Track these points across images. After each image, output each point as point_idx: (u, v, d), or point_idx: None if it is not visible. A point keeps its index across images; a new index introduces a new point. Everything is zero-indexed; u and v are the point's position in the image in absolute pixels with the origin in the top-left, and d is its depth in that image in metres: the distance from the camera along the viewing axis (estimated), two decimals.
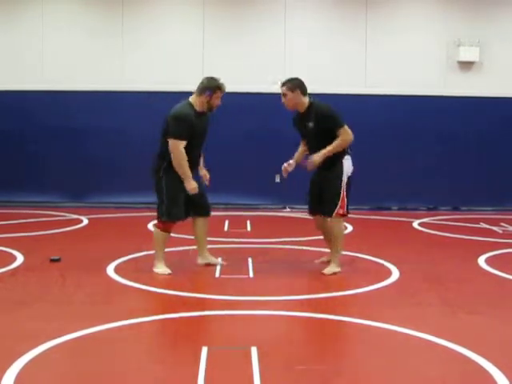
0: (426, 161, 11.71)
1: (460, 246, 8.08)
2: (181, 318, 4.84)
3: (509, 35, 11.74)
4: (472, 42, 11.59)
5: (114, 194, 11.55)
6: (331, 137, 6.16)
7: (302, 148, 6.55)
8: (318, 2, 11.79)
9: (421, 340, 4.34)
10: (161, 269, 6.20)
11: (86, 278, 6.00)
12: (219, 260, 6.61)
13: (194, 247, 6.67)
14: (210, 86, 6.13)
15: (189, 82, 11.25)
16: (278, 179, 11.45)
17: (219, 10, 11.67)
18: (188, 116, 6.03)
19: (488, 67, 11.73)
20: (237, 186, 11.40)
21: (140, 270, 6.27)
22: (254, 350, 4.02)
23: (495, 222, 9.97)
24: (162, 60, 11.59)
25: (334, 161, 6.18)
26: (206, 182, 6.45)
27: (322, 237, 6.78)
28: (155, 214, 6.28)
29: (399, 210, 11.66)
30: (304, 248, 7.60)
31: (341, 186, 6.21)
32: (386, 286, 5.85)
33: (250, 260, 6.79)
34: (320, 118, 6.16)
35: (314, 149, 6.30)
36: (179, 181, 6.05)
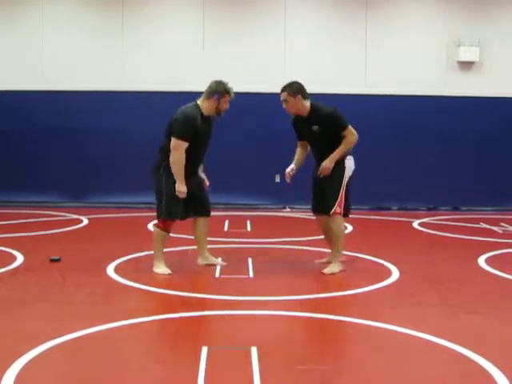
0: (425, 161, 11.71)
1: (460, 246, 8.08)
2: (181, 318, 4.84)
3: (509, 35, 11.75)
4: (472, 41, 11.59)
5: (114, 194, 11.56)
6: (335, 138, 6.19)
7: (299, 150, 6.54)
8: (318, 2, 11.79)
9: (421, 340, 4.34)
10: (161, 269, 6.20)
11: (86, 278, 6.00)
12: (219, 260, 6.61)
13: (194, 247, 6.67)
14: (219, 90, 6.10)
15: (189, 82, 11.41)
16: (278, 179, 11.46)
17: (219, 10, 11.67)
18: (194, 117, 6.02)
19: (488, 67, 11.73)
20: (237, 186, 11.40)
21: (140, 270, 6.27)
22: (254, 350, 4.01)
23: (495, 222, 9.97)
24: (162, 60, 11.59)
25: (337, 160, 6.21)
26: (206, 184, 6.46)
27: (321, 237, 6.78)
28: (155, 214, 6.27)
29: (399, 210, 11.66)
30: (304, 248, 7.60)
31: (340, 186, 6.23)
32: (386, 286, 5.85)
33: (249, 260, 6.79)
34: (325, 120, 6.16)
35: (318, 151, 6.33)
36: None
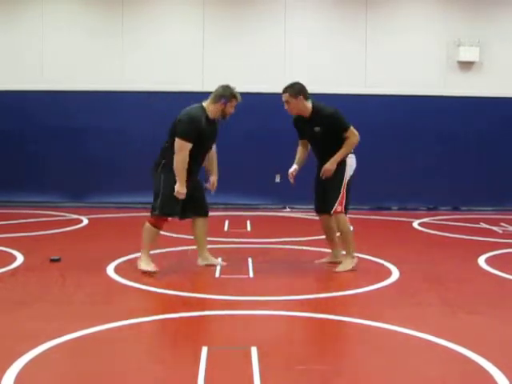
0: (425, 161, 11.71)
1: (460, 246, 8.08)
2: (181, 318, 4.83)
3: (509, 35, 11.75)
4: (472, 42, 11.60)
5: (114, 194, 11.56)
6: (337, 139, 6.21)
7: (301, 149, 6.55)
8: (318, 2, 11.79)
9: (421, 340, 4.33)
10: (146, 265, 6.13)
11: (86, 277, 6.00)
12: (219, 260, 6.61)
13: (194, 247, 6.67)
14: (226, 95, 6.09)
15: (189, 82, 11.42)
16: (278, 179, 11.46)
17: (219, 10, 11.67)
18: (198, 119, 6.01)
19: (488, 67, 11.73)
20: (237, 186, 11.39)
21: (140, 270, 6.26)
22: (254, 350, 4.01)
23: (495, 222, 9.97)
24: (162, 60, 11.59)
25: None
26: (211, 188, 6.45)
27: (321, 237, 6.78)
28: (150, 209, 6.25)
29: (399, 209, 11.66)
30: (304, 248, 7.60)
31: (341, 184, 6.24)
32: (386, 286, 5.85)
33: (249, 260, 6.79)
34: (326, 121, 6.18)
35: (319, 152, 6.36)
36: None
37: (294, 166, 6.47)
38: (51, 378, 3.71)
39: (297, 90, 6.19)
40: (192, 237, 6.63)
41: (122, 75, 11.58)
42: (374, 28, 11.70)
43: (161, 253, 7.10)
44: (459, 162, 11.77)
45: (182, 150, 5.93)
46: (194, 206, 6.29)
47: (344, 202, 6.28)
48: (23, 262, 6.60)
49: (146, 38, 11.62)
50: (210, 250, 6.69)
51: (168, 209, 6.10)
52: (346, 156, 6.26)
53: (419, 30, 11.77)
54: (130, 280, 5.89)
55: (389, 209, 11.70)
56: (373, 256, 7.05)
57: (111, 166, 11.58)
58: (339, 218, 6.32)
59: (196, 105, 6.15)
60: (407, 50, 11.72)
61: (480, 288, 5.89)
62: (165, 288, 5.63)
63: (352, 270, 6.35)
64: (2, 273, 6.16)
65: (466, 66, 11.74)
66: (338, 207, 6.26)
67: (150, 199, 6.21)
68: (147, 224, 6.20)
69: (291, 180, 6.47)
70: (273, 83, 10.92)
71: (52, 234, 8.54)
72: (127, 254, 6.95)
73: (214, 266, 6.46)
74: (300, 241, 8.05)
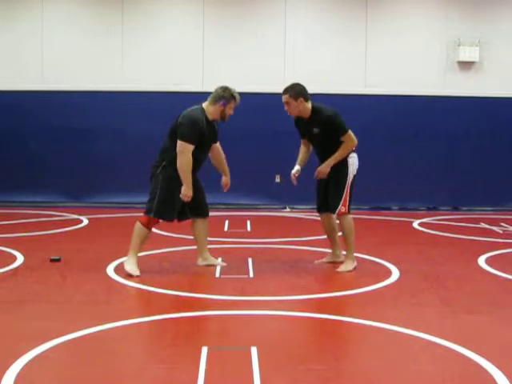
0: (425, 161, 11.71)
1: (460, 246, 8.08)
2: (181, 318, 4.83)
3: (509, 35, 11.75)
4: (472, 42, 11.59)
5: (114, 194, 11.56)
6: (337, 139, 6.22)
7: (303, 148, 6.56)
8: (318, 2, 11.79)
9: (421, 340, 4.33)
10: (131, 267, 6.10)
11: (86, 277, 6.00)
12: (219, 261, 6.61)
13: (194, 247, 6.67)
14: (225, 96, 6.08)
15: (188, 82, 11.43)
16: (278, 179, 11.46)
17: (219, 10, 11.67)
18: (200, 120, 6.01)
19: (488, 67, 11.73)
20: (237, 186, 11.34)
21: (140, 269, 6.25)
22: (254, 350, 4.01)
23: (495, 222, 9.97)
24: (162, 60, 11.59)
25: (340, 160, 6.23)
26: (224, 189, 6.51)
27: (322, 237, 6.78)
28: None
29: (399, 210, 11.66)
30: (304, 248, 7.60)
31: (345, 185, 6.25)
32: (386, 286, 5.85)
33: (249, 260, 6.79)
34: (325, 124, 6.18)
35: (320, 152, 6.37)
36: (175, 182, 6.02)
37: (297, 168, 6.47)
38: (51, 378, 3.72)
39: (297, 91, 6.18)
40: (192, 237, 6.62)
41: (122, 75, 11.58)
42: (373, 28, 11.69)
43: (161, 253, 7.11)
44: (459, 161, 11.77)
45: (186, 152, 5.93)
46: (195, 207, 6.28)
47: (348, 202, 6.28)
48: (23, 262, 6.60)
49: (145, 38, 11.62)
50: (210, 249, 6.68)
51: (162, 213, 6.09)
52: (342, 159, 6.25)
53: (419, 29, 11.77)
54: (130, 280, 5.89)
55: (389, 209, 11.70)
56: (373, 256, 7.06)
57: (111, 166, 11.58)
58: (344, 219, 6.33)
59: (195, 106, 6.14)
60: (407, 49, 11.72)
61: (480, 288, 5.89)
62: (165, 288, 5.63)
63: (353, 271, 6.35)
64: (2, 273, 6.16)
65: (466, 65, 11.73)
66: (341, 208, 6.27)
67: None
68: (138, 224, 6.17)
69: (294, 182, 6.47)
70: (273, 83, 10.93)
71: (52, 234, 8.54)
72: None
73: (214, 266, 6.46)
74: (300, 241, 8.05)
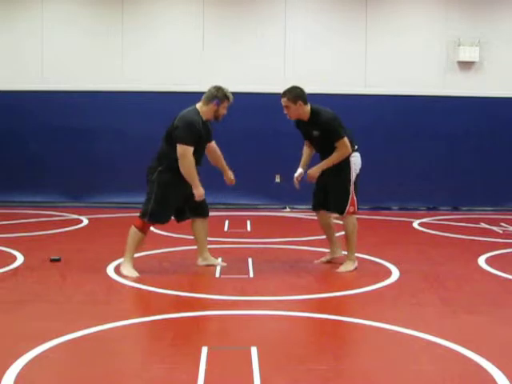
0: (425, 161, 11.71)
1: (460, 246, 8.08)
2: (181, 318, 4.84)
3: (509, 35, 11.74)
4: (472, 42, 11.59)
5: (114, 193, 11.56)
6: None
7: (306, 149, 6.57)
8: (318, 2, 11.79)
9: (421, 340, 4.33)
10: (128, 271, 6.10)
11: (86, 277, 6.00)
12: (219, 261, 6.61)
13: (194, 247, 6.67)
14: (218, 95, 6.08)
15: (188, 82, 11.42)
16: (278, 179, 11.46)
17: (219, 10, 11.67)
18: (197, 122, 6.01)
19: (488, 67, 11.73)
20: (237, 186, 11.32)
21: (140, 270, 6.25)
22: (254, 350, 4.01)
23: (495, 222, 9.97)
24: (162, 60, 11.59)
25: (341, 160, 6.23)
26: (232, 182, 6.51)
27: (321, 237, 6.78)
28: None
29: (399, 210, 11.66)
30: (304, 248, 7.60)
31: (349, 184, 6.25)
32: (386, 286, 5.85)
33: (249, 260, 6.79)
34: (323, 127, 6.19)
35: (321, 153, 6.37)
36: (170, 187, 6.02)
37: (300, 171, 6.47)
38: (51, 378, 3.72)
39: (296, 95, 6.16)
40: (192, 237, 6.63)
41: (122, 75, 11.58)
42: (373, 28, 11.69)
43: (161, 253, 7.11)
44: (459, 161, 11.77)
45: (187, 154, 5.92)
46: (194, 207, 6.28)
47: (355, 202, 6.29)
48: (23, 262, 6.60)
49: (145, 38, 11.61)
50: (210, 249, 6.68)
51: (157, 217, 6.09)
52: (350, 153, 6.24)
53: (419, 29, 11.77)
54: (130, 280, 5.89)
55: (389, 209, 11.70)
56: (373, 256, 7.06)
57: (111, 166, 11.58)
58: (349, 220, 6.33)
59: (190, 108, 6.14)
60: (407, 49, 11.72)
61: (480, 288, 5.89)
62: (165, 288, 5.63)
63: (353, 271, 6.35)
64: (2, 273, 6.16)
65: (466, 65, 11.73)
66: (350, 208, 6.28)
67: None
68: (133, 228, 6.17)
69: (296, 186, 6.47)
70: (273, 83, 10.94)
71: (52, 233, 8.54)
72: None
73: (214, 266, 6.46)
74: (300, 241, 8.05)
